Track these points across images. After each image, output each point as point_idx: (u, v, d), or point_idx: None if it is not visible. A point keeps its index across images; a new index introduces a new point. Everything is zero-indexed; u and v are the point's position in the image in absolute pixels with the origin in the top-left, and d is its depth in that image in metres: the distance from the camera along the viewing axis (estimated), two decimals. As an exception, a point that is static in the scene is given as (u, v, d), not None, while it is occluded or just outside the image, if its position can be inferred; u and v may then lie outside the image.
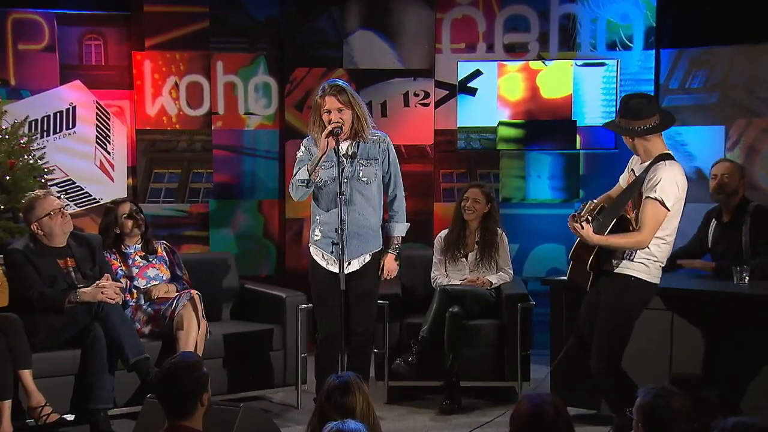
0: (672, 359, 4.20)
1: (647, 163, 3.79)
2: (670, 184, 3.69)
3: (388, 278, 4.21)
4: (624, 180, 4.03)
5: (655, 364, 4.11)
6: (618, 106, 3.92)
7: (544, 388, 4.74)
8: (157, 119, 6.10)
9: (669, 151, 3.82)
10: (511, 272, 5.29)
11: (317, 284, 4.20)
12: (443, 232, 5.37)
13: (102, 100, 5.97)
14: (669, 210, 3.71)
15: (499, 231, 5.28)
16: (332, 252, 4.10)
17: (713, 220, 4.86)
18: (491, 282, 5.15)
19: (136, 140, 6.09)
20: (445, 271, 5.29)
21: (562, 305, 4.63)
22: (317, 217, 4.17)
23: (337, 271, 4.07)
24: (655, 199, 3.68)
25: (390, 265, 4.20)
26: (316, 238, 4.17)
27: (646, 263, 3.79)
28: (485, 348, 5.03)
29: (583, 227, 3.70)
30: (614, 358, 3.84)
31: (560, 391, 4.45)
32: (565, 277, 4.84)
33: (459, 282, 5.19)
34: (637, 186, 3.80)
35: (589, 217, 3.72)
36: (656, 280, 3.85)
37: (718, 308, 4.18)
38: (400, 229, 4.25)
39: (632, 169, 3.95)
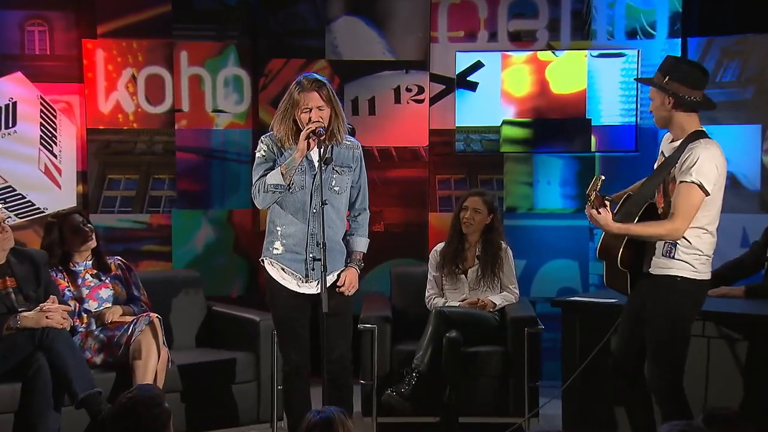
0: (708, 391, 4.20)
1: (679, 142, 3.80)
2: (709, 165, 3.68)
3: (347, 293, 4.17)
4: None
5: (689, 397, 4.10)
6: (665, 65, 3.87)
7: (554, 425, 4.73)
8: (111, 117, 6.07)
9: (704, 129, 3.82)
10: (517, 292, 5.28)
11: (283, 307, 4.17)
12: (439, 246, 5.36)
13: (47, 95, 5.94)
14: (708, 194, 3.70)
15: (503, 245, 5.28)
16: (310, 268, 4.07)
17: None
18: (494, 303, 5.14)
19: (86, 141, 6.06)
20: (442, 290, 5.28)
21: (575, 330, 4.62)
22: (278, 228, 4.15)
23: (303, 291, 4.10)
24: (692, 182, 3.66)
25: (352, 280, 4.18)
26: (276, 251, 4.14)
27: (691, 260, 3.77)
28: (487, 378, 5.02)
29: (600, 213, 3.67)
30: (676, 371, 3.83)
31: (573, 427, 4.44)
32: (579, 297, 4.86)
33: (457, 303, 5.17)
34: (667, 168, 3.79)
35: (607, 201, 3.69)
36: (706, 276, 3.83)
37: (759, 333, 4.18)
38: (364, 244, 4.27)
39: (662, 151, 3.94)
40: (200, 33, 6.12)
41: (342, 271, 4.18)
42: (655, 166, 4.04)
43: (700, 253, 3.78)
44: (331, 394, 4.15)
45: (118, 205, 6.10)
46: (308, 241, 4.08)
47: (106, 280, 4.92)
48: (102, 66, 6.02)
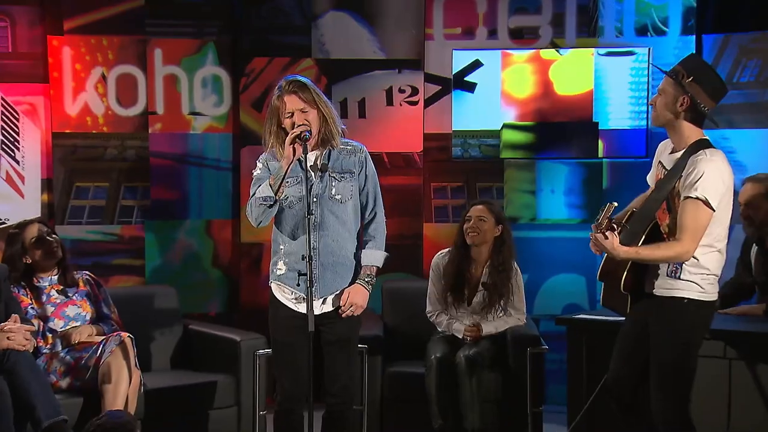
0: (730, 417, 4.20)
1: (680, 153, 3.79)
2: (714, 180, 3.68)
3: (350, 314, 4.07)
4: (653, 180, 4.01)
5: (711, 421, 4.11)
6: (691, 64, 3.84)
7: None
8: (79, 120, 6.05)
9: (707, 137, 3.82)
10: (523, 316, 5.20)
11: (280, 330, 4.10)
12: (441, 254, 5.27)
13: (9, 96, 5.93)
14: (714, 210, 3.70)
15: (515, 267, 5.21)
16: (299, 285, 4.03)
17: (753, 245, 4.88)
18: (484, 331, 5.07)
19: (52, 146, 6.04)
20: (445, 303, 5.17)
21: (582, 350, 4.61)
22: (280, 247, 4.11)
23: (305, 312, 4.00)
24: (697, 198, 3.66)
25: (356, 298, 4.05)
26: (279, 272, 4.10)
27: (698, 280, 3.77)
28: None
29: (607, 237, 3.67)
30: (684, 399, 3.81)
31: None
32: (585, 315, 4.84)
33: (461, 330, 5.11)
34: (671, 182, 3.78)
35: (614, 225, 3.69)
36: (713, 297, 3.83)
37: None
38: (377, 257, 4.15)
39: (660, 162, 3.93)
40: (176, 29, 6.10)
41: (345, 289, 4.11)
42: (649, 178, 4.05)
43: (708, 272, 3.77)
44: (328, 427, 4.12)
45: (86, 215, 6.07)
46: (310, 257, 4.02)
47: (73, 297, 4.89)
48: (69, 65, 6.00)
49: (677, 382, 3.79)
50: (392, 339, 5.32)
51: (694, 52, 6.00)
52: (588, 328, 4.60)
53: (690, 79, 3.74)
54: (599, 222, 3.68)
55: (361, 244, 4.16)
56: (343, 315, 4.05)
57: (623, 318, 4.25)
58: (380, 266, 4.16)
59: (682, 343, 3.78)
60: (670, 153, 3.85)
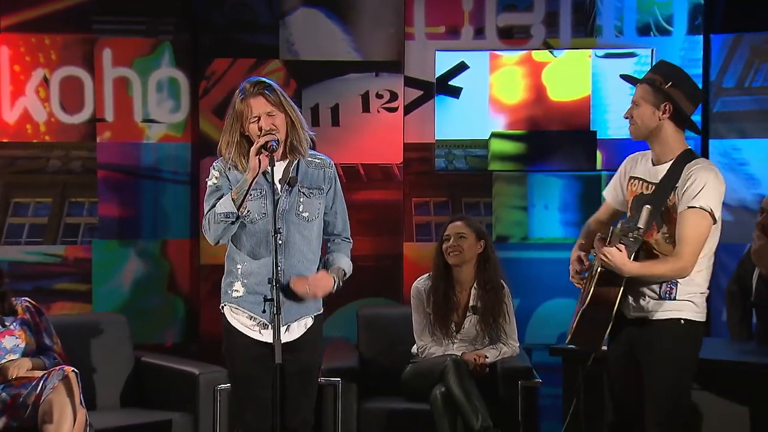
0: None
1: (668, 164, 3.86)
2: (716, 189, 3.79)
3: (311, 292, 3.98)
4: (615, 196, 4.09)
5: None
6: (665, 69, 3.94)
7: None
8: (17, 128, 6.03)
9: (690, 147, 3.93)
10: (517, 345, 5.21)
11: (240, 361, 4.09)
12: (421, 281, 5.27)
13: (-60, 102, 5.91)
14: (716, 222, 3.79)
15: (505, 286, 5.22)
16: (265, 311, 4.01)
17: (756, 269, 4.96)
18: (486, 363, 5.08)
19: (-12, 157, 6.01)
20: (434, 336, 5.16)
21: (578, 382, 4.59)
22: (238, 266, 4.10)
23: (268, 341, 3.97)
24: (701, 209, 3.75)
25: (319, 280, 4.00)
26: (236, 294, 4.09)
27: (694, 299, 3.85)
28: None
29: (621, 250, 3.73)
30: (688, 419, 3.89)
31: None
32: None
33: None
34: (663, 195, 3.84)
35: (632, 238, 3.75)
36: (704, 317, 3.91)
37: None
38: (347, 263, 4.17)
39: (635, 177, 3.98)
40: (127, 27, 6.10)
41: (319, 316, 4.10)
42: (608, 194, 4.13)
43: (701, 291, 3.87)
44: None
45: (25, 234, 6.05)
46: (277, 281, 4.00)
47: (11, 327, 4.86)
48: (6, 66, 5.99)
49: (679, 413, 3.85)
50: (368, 371, 5.32)
51: (701, 54, 6.04)
52: (586, 359, 4.58)
53: (669, 84, 3.84)
54: (610, 236, 3.76)
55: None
56: (298, 289, 3.98)
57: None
58: (348, 273, 4.13)
59: (683, 369, 3.86)
60: (653, 165, 3.92)
